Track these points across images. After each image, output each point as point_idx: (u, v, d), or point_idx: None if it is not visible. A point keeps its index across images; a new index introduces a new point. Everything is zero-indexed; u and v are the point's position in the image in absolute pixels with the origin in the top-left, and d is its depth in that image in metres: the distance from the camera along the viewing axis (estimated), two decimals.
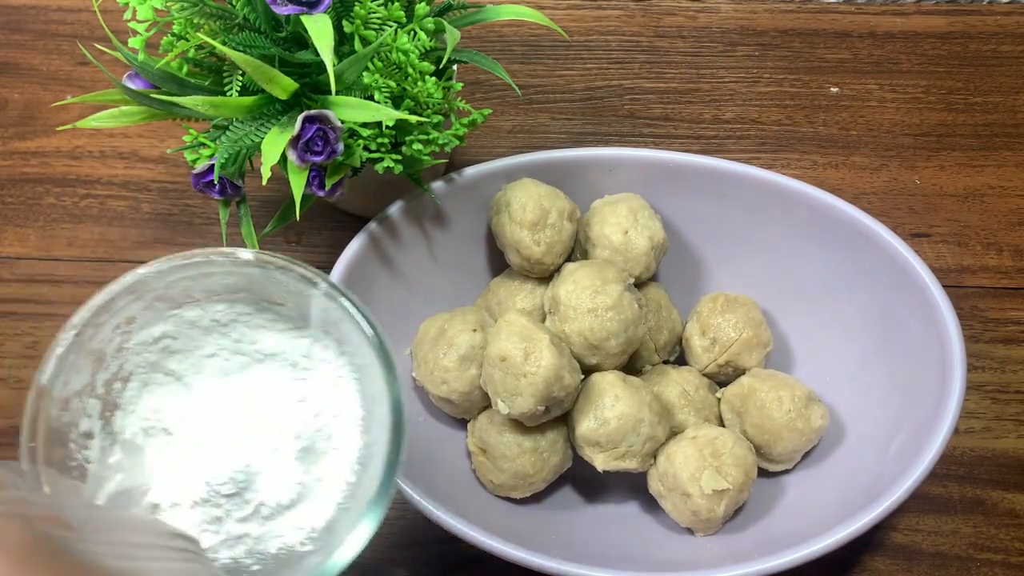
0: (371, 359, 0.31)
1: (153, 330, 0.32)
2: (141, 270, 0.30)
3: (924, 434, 0.40)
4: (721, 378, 0.47)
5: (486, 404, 0.44)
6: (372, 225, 0.44)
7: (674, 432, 0.44)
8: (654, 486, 0.43)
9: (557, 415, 0.42)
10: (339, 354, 0.33)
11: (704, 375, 0.46)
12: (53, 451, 0.29)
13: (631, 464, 0.42)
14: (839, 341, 0.46)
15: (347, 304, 0.31)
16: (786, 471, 0.45)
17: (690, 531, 0.43)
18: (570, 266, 0.44)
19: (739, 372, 0.46)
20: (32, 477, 0.27)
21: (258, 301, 0.33)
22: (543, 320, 0.45)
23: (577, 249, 0.47)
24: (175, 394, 0.32)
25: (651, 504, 0.44)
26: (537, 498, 0.45)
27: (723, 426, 0.45)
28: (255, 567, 0.31)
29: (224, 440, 0.31)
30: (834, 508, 0.40)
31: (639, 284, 0.46)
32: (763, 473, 0.44)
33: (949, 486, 0.48)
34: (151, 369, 0.32)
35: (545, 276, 0.46)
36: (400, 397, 0.31)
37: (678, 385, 0.45)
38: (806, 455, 0.45)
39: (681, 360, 0.48)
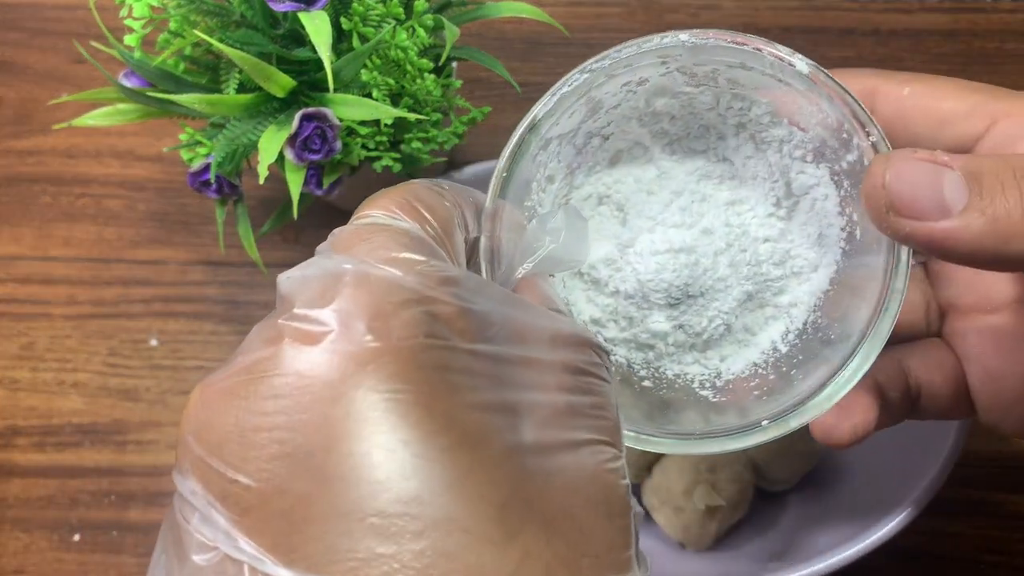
0: (884, 268, 0.26)
1: (658, 102, 0.28)
2: (684, 36, 0.26)
3: (924, 463, 0.39)
4: None
5: None
6: None
7: None
8: (647, 499, 0.42)
9: None
10: (842, 248, 0.28)
11: None
12: (518, 188, 0.27)
13: None
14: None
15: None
16: (784, 491, 0.44)
17: (681, 546, 0.43)
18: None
19: None
20: (488, 215, 0.25)
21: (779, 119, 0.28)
22: None
23: None
24: (641, 175, 0.29)
25: (644, 516, 0.44)
26: None
27: None
28: (645, 382, 0.29)
29: (672, 243, 0.28)
30: (831, 531, 0.40)
31: None
32: (759, 492, 0.44)
33: (952, 488, 0.47)
34: (632, 139, 0.29)
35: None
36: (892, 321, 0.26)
37: None
38: (804, 476, 0.44)
39: None
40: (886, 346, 0.26)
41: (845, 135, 0.26)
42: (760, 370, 0.29)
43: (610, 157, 0.29)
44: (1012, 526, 0.46)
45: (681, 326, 0.28)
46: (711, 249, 0.28)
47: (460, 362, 0.19)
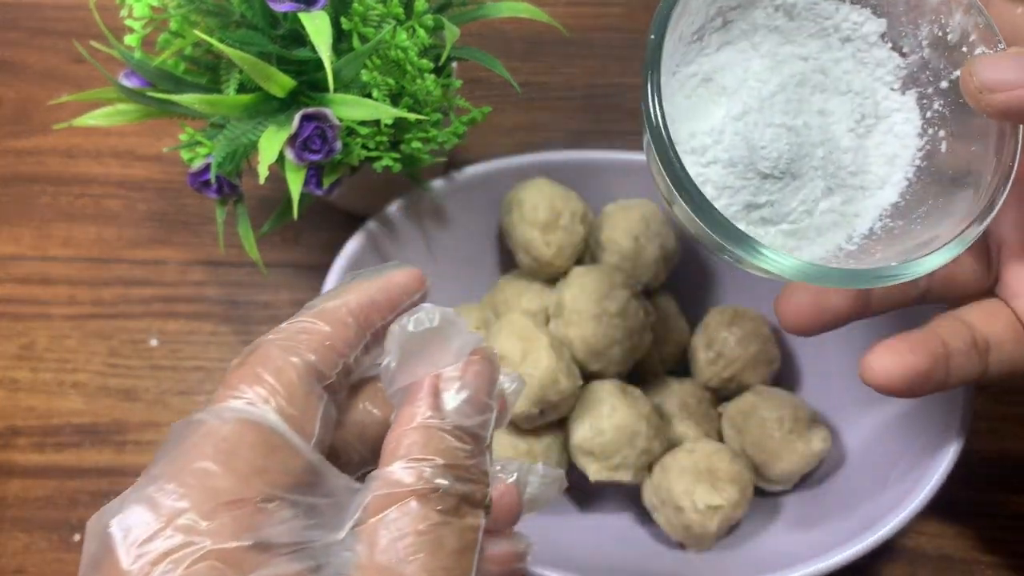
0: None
1: None
2: None
3: (924, 466, 0.39)
4: (724, 393, 0.46)
5: None
6: (371, 224, 0.44)
7: (672, 444, 0.43)
8: (648, 498, 0.42)
9: (553, 420, 0.42)
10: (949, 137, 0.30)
11: (707, 388, 0.46)
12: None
13: (624, 476, 0.41)
14: (847, 363, 0.45)
15: None
16: (783, 492, 0.44)
17: (682, 546, 0.43)
18: (577, 270, 0.43)
19: (743, 388, 0.45)
20: None
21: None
22: (547, 323, 0.44)
23: (587, 252, 0.47)
24: (748, 64, 0.31)
25: (644, 516, 0.44)
26: None
27: (723, 441, 0.45)
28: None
29: (786, 120, 0.30)
30: (830, 532, 0.40)
31: (648, 292, 0.46)
32: (760, 492, 0.44)
33: (953, 488, 0.47)
34: (750, 27, 0.31)
35: (554, 278, 0.46)
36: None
37: (679, 397, 0.44)
38: (805, 477, 0.44)
39: (686, 372, 0.48)
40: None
41: (956, 47, 0.29)
42: None
43: (722, 42, 0.31)
44: (1013, 526, 0.46)
45: (773, 203, 0.30)
46: (807, 140, 0.30)
47: None
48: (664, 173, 0.27)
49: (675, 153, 0.27)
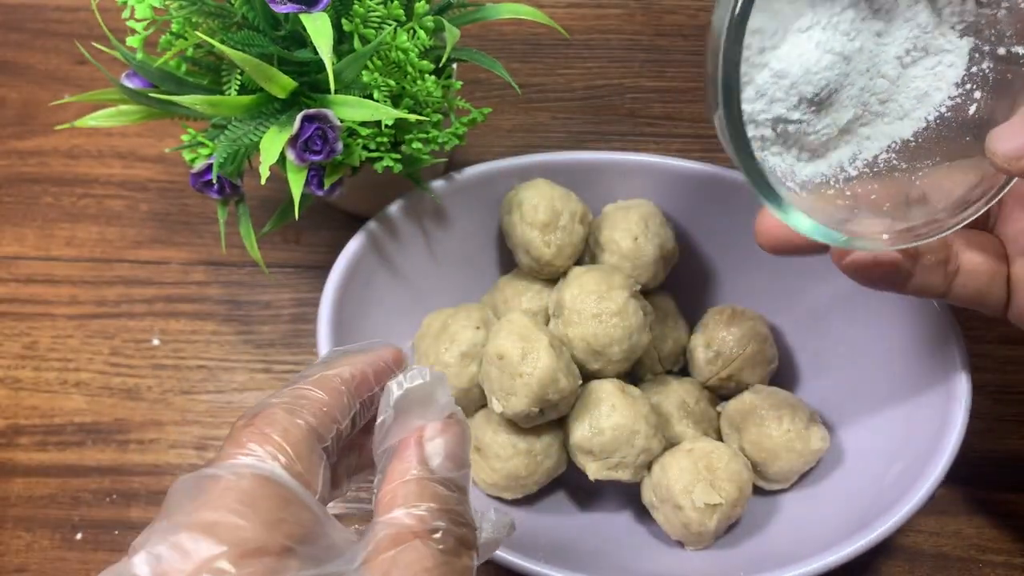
0: None
1: None
2: None
3: (922, 465, 0.39)
4: (723, 392, 0.46)
5: (484, 403, 0.44)
6: (371, 224, 0.44)
7: (671, 443, 0.43)
8: (647, 497, 0.42)
9: (553, 419, 0.42)
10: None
11: (706, 388, 0.46)
12: None
13: (623, 475, 0.41)
14: (846, 362, 0.46)
15: None
16: (782, 490, 0.44)
17: (681, 544, 0.43)
18: (577, 270, 0.44)
19: (741, 387, 0.45)
20: None
21: None
22: (547, 322, 0.44)
23: (587, 253, 0.47)
24: None
25: (644, 515, 0.44)
26: (529, 500, 0.45)
27: (721, 440, 0.45)
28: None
29: (844, 48, 0.30)
30: (828, 531, 0.40)
31: (646, 292, 0.46)
32: (758, 491, 0.44)
33: (951, 487, 0.47)
34: None
35: (554, 278, 0.46)
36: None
37: (678, 396, 0.45)
38: (803, 475, 0.44)
39: (685, 371, 0.48)
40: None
41: None
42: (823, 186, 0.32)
43: None
44: (1011, 525, 0.46)
45: (801, 122, 0.31)
46: (855, 68, 0.30)
47: None
48: (719, 66, 0.27)
49: (735, 53, 0.27)
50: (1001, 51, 0.30)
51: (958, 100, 0.31)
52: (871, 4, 0.31)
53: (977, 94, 0.31)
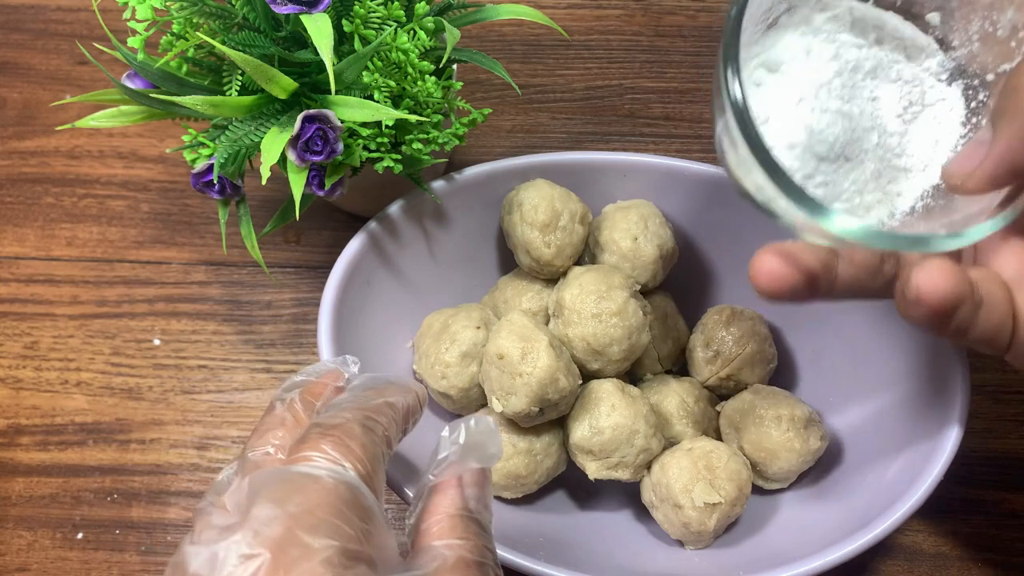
0: None
1: None
2: None
3: (921, 464, 0.39)
4: (722, 391, 0.46)
5: (484, 402, 0.44)
6: (372, 224, 0.44)
7: (670, 442, 0.43)
8: (646, 496, 0.43)
9: (553, 418, 0.42)
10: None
11: (705, 387, 0.46)
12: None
13: (623, 474, 0.42)
14: (845, 362, 0.46)
15: None
16: (781, 490, 0.44)
17: (680, 544, 0.43)
18: (577, 270, 0.44)
19: (741, 387, 0.46)
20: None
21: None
22: (547, 322, 0.45)
23: (587, 253, 0.47)
24: (809, 46, 0.32)
25: (644, 514, 0.44)
26: (529, 500, 0.45)
27: (721, 440, 0.45)
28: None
29: (842, 106, 0.32)
30: (827, 530, 0.40)
31: (646, 292, 0.46)
32: (758, 490, 0.44)
33: (950, 487, 0.47)
34: (818, 13, 0.32)
35: (554, 278, 0.46)
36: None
37: (677, 396, 0.45)
38: (803, 475, 0.44)
39: (684, 371, 0.48)
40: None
41: (1004, 41, 0.30)
42: None
43: (784, 24, 0.32)
44: (1010, 525, 0.47)
45: (827, 183, 0.32)
46: (861, 125, 0.32)
47: None
48: (743, 142, 0.28)
49: (752, 123, 0.28)
50: (990, 77, 0.31)
51: (970, 135, 0.32)
52: (856, 70, 0.32)
53: (985, 121, 0.31)
